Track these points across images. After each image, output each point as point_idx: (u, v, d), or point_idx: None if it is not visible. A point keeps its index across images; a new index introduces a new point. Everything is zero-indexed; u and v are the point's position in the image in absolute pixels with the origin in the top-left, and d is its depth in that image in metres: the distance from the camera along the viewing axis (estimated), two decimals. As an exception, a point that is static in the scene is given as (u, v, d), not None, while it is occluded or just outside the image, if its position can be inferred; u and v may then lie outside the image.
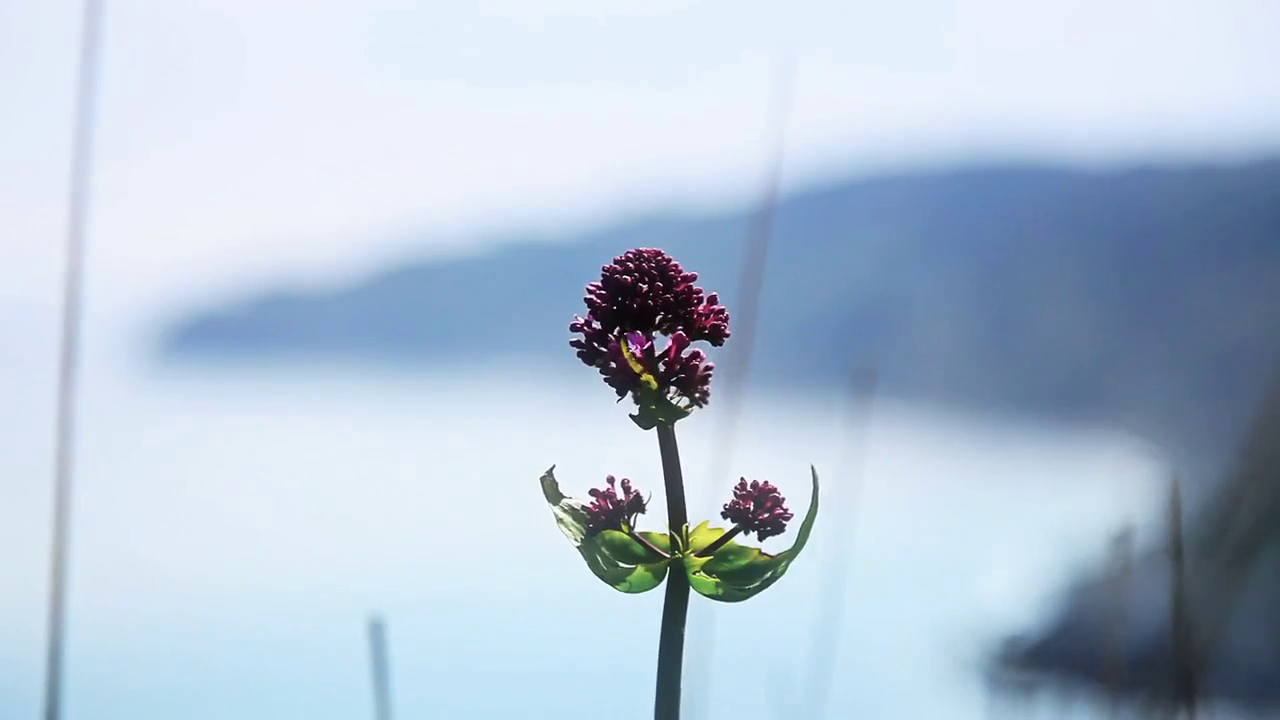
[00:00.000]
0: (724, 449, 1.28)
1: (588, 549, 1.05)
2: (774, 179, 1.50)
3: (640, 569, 1.05)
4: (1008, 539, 41.41)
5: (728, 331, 1.03)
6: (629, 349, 1.01)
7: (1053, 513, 46.82)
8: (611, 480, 1.06)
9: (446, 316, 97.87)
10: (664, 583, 1.06)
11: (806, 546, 1.07)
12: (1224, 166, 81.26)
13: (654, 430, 1.02)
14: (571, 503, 1.06)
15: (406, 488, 53.07)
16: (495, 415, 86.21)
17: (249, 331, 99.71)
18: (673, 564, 1.05)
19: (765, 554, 1.06)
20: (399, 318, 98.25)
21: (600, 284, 1.04)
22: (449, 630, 30.27)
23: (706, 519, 1.07)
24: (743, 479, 1.06)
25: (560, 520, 1.06)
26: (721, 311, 1.03)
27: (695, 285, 1.04)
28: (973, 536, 42.41)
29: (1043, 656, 29.78)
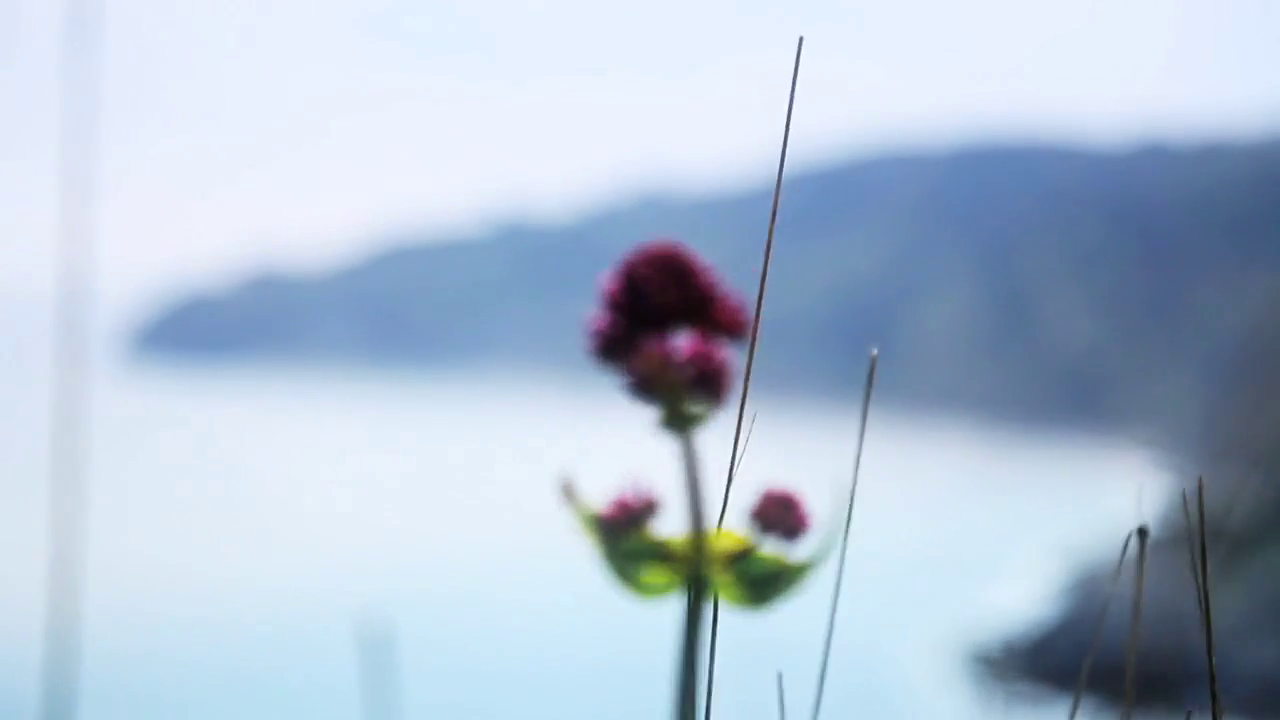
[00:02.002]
0: (729, 447, 1.25)
1: (606, 554, 1.04)
2: (780, 169, 1.46)
3: (660, 575, 1.04)
4: (1015, 539, 41.48)
5: (748, 328, 0.99)
6: (651, 352, 0.99)
7: (1061, 511, 46.90)
8: (630, 483, 1.04)
9: (444, 301, 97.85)
10: (682, 589, 1.05)
11: (828, 556, 1.05)
12: (1233, 147, 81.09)
13: (667, 428, 0.99)
14: (589, 505, 1.03)
15: (401, 481, 53.05)
16: (493, 404, 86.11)
17: (242, 321, 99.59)
18: (693, 571, 1.04)
19: (787, 562, 1.04)
20: (395, 305, 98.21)
21: (616, 280, 1.00)
22: (447, 630, 30.29)
23: (726, 525, 1.05)
24: (765, 486, 1.04)
25: (578, 524, 1.03)
26: (741, 307, 1.00)
27: (714, 279, 1.00)
28: (980, 536, 42.49)
29: (1050, 658, 29.80)
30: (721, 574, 1.04)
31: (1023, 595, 35.11)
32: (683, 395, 0.99)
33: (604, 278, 0.99)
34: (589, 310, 1.00)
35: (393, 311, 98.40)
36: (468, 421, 77.59)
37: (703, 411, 0.99)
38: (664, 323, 0.99)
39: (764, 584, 1.04)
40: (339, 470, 53.73)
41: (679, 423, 0.98)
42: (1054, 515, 44.98)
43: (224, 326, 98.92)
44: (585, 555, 1.09)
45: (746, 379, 1.01)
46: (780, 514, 1.03)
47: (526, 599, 32.24)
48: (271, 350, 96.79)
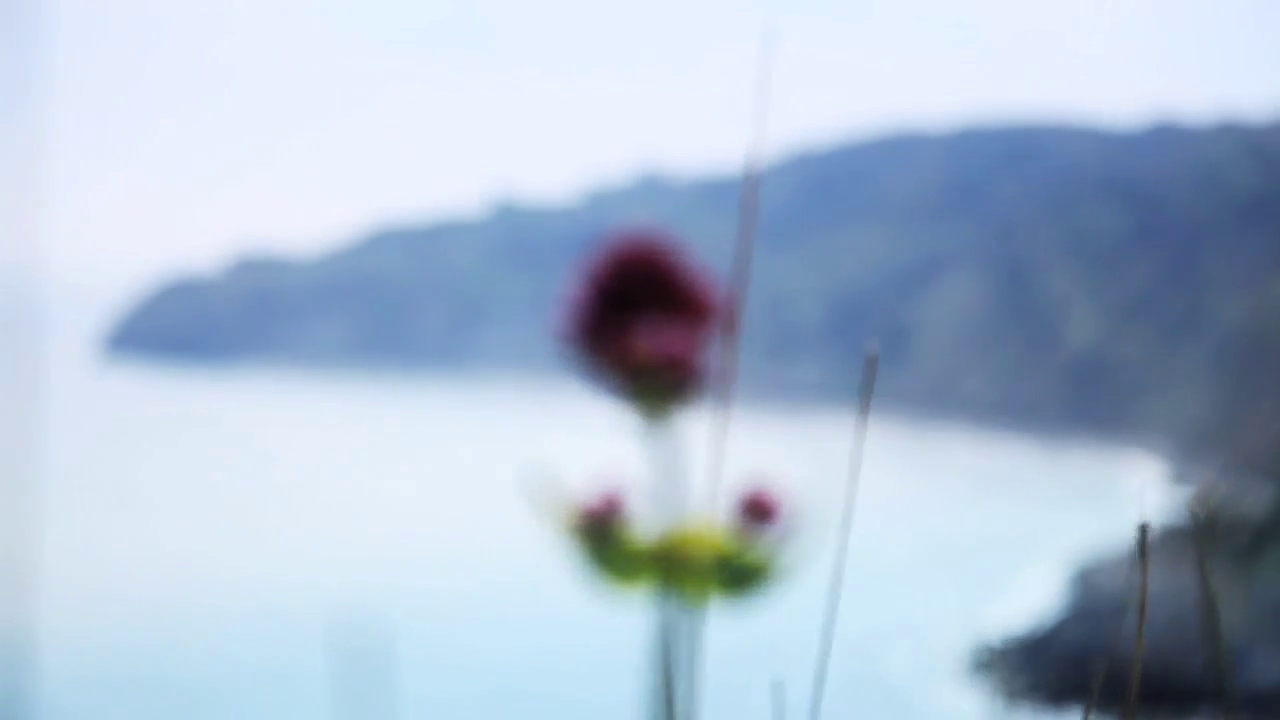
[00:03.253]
0: (716, 441, 1.26)
1: (580, 548, 1.04)
2: (757, 154, 1.45)
3: (634, 570, 1.04)
4: (1022, 539, 41.44)
5: (731, 318, 0.98)
6: (629, 341, 0.98)
7: (1066, 509, 46.80)
8: (606, 477, 1.04)
9: (437, 283, 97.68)
10: (657, 584, 1.04)
11: (810, 552, 1.05)
12: (1247, 125, 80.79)
13: (643, 423, 1.00)
14: (564, 499, 1.03)
15: (393, 470, 52.89)
16: (486, 390, 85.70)
17: (231, 304, 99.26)
18: (667, 565, 1.04)
19: (764, 559, 1.04)
20: (387, 286, 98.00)
21: (594, 268, 0.98)
22: (432, 624, 30.22)
23: (703, 519, 1.05)
24: (744, 481, 1.04)
25: (552, 518, 1.03)
26: (725, 297, 0.98)
27: (697, 268, 0.99)
28: (986, 538, 42.46)
29: (1057, 659, 29.79)
30: (698, 570, 1.04)
31: (1028, 595, 35.09)
32: (656, 387, 0.98)
33: (577, 265, 0.98)
34: (564, 298, 0.99)
35: (385, 292, 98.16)
36: (460, 409, 77.36)
37: (679, 403, 0.99)
38: (638, 312, 0.98)
39: (738, 580, 1.04)
40: (328, 459, 53.59)
41: (651, 415, 0.97)
42: (1060, 513, 44.89)
43: (212, 310, 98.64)
44: (560, 553, 1.09)
45: (726, 371, 1.00)
46: (759, 511, 1.04)
47: (511, 592, 32.18)
48: (261, 332, 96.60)
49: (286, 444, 60.54)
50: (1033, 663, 30.39)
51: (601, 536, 1.03)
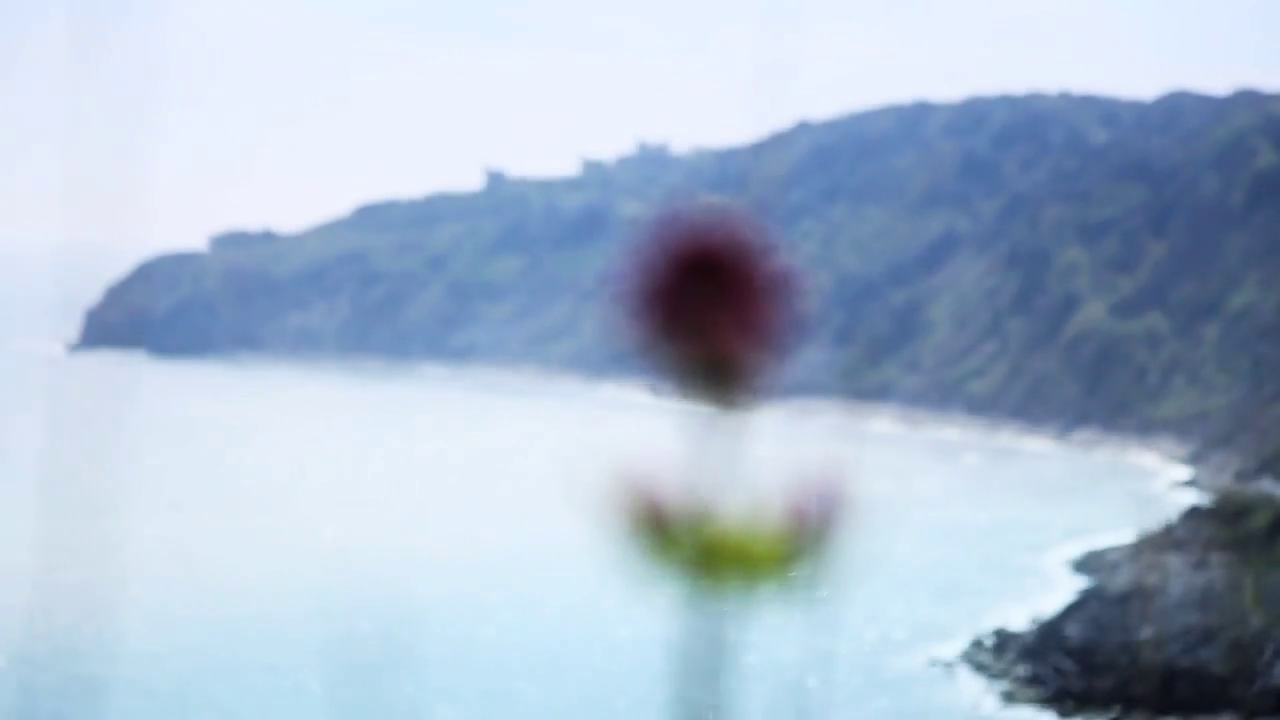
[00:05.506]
0: (746, 431, 1.24)
1: (630, 537, 1.03)
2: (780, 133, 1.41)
3: (680, 560, 1.01)
4: (1032, 536, 41.56)
5: (806, 296, 0.95)
6: (706, 329, 0.92)
7: (1076, 505, 46.94)
8: (656, 470, 1.01)
9: (431, 257, 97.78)
10: (701, 575, 1.04)
11: (856, 547, 1.05)
12: (1262, 93, 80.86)
13: (705, 412, 0.98)
14: (613, 489, 1.03)
15: (387, 459, 53.07)
16: (480, 374, 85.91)
17: (219, 282, 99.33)
18: (713, 557, 1.03)
19: (812, 553, 1.02)
20: (379, 261, 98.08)
21: (665, 245, 0.91)
22: (446, 624, 30.27)
23: (753, 513, 1.04)
24: (800, 479, 1.03)
25: (603, 507, 1.02)
26: (799, 274, 0.95)
27: (768, 245, 0.92)
28: (995, 533, 42.62)
29: (1068, 657, 29.86)
30: (744, 562, 1.04)
31: (1038, 586, 35.21)
32: (728, 376, 0.94)
33: (640, 244, 0.92)
34: (614, 282, 0.97)
35: (376, 269, 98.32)
36: (458, 395, 77.54)
37: (751, 393, 0.96)
38: (716, 289, 0.92)
39: (783, 573, 1.05)
40: (327, 450, 53.77)
41: (725, 400, 0.95)
42: (1069, 506, 45.04)
43: (199, 288, 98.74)
44: (592, 542, 1.09)
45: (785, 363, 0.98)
46: (811, 508, 1.03)
47: (532, 590, 32.28)
48: (248, 312, 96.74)
49: (283, 434, 61.02)
50: (1042, 652, 30.54)
51: (647, 527, 1.03)
